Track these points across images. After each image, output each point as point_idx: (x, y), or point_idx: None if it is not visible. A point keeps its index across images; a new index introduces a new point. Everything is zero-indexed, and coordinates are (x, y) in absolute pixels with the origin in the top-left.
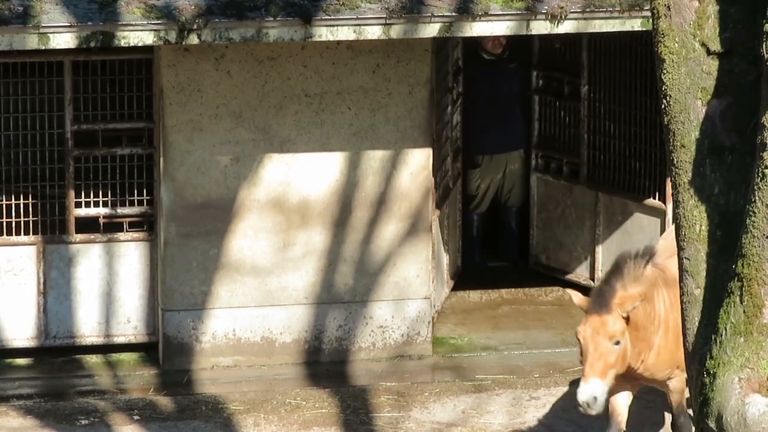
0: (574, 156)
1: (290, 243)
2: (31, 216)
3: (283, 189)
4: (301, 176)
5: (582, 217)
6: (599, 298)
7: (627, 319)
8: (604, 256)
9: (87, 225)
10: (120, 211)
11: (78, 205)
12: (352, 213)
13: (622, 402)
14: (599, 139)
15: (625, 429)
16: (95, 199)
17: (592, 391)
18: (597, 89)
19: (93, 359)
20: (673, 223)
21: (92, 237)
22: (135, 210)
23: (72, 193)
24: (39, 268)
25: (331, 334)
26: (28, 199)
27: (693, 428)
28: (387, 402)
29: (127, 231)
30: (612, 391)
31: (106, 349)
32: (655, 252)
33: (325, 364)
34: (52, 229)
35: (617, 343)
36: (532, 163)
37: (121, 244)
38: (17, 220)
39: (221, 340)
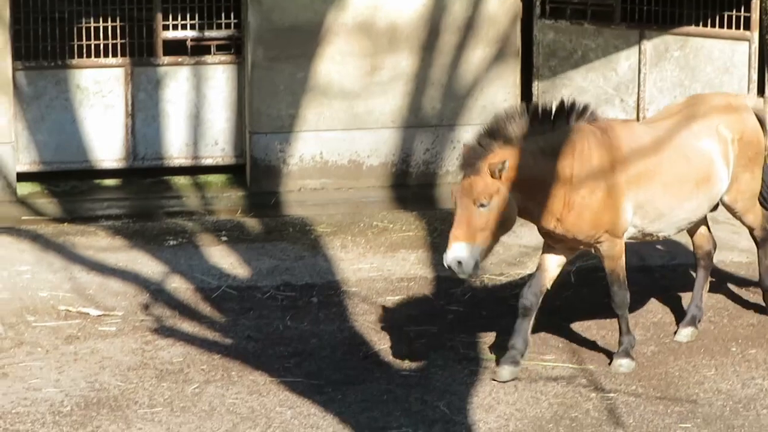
0: None
1: (378, 67)
2: (119, 38)
3: (371, 13)
4: (388, 0)
5: (615, 59)
6: (470, 156)
7: (513, 180)
8: (651, 93)
9: (175, 47)
10: (207, 34)
11: (165, 27)
12: (439, 37)
13: (552, 262)
14: None
15: (549, 287)
16: (183, 22)
17: (454, 255)
18: None
19: (181, 181)
20: (759, 49)
21: (180, 60)
22: (222, 33)
23: (160, 16)
24: (127, 90)
25: (419, 158)
26: (116, 22)
27: (627, 298)
28: None
29: (214, 54)
30: (546, 251)
31: (193, 170)
32: (588, 107)
33: (412, 187)
34: (140, 52)
35: (483, 205)
36: (536, 11)
37: (208, 66)
38: (105, 42)
39: (308, 162)
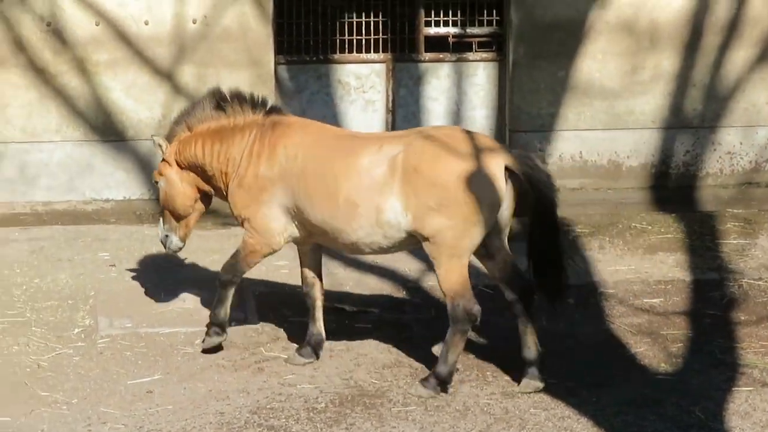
0: None
1: (639, 66)
2: (381, 34)
3: (634, 11)
4: None
5: None
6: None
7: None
8: None
9: (436, 44)
10: (469, 30)
11: (428, 23)
12: (701, 37)
13: (306, 262)
14: None
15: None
16: (445, 19)
17: (158, 230)
18: None
19: None
20: None
21: (441, 56)
22: (484, 30)
23: (422, 12)
24: (388, 86)
25: (678, 159)
26: (378, 17)
27: (229, 280)
28: (733, 229)
29: (476, 51)
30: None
31: None
32: (267, 100)
33: (671, 189)
34: (402, 48)
35: (157, 182)
36: None
37: (469, 63)
38: (367, 37)
39: (567, 162)
